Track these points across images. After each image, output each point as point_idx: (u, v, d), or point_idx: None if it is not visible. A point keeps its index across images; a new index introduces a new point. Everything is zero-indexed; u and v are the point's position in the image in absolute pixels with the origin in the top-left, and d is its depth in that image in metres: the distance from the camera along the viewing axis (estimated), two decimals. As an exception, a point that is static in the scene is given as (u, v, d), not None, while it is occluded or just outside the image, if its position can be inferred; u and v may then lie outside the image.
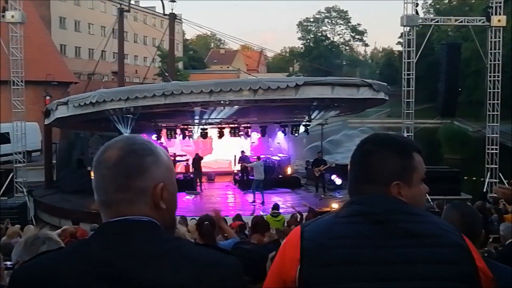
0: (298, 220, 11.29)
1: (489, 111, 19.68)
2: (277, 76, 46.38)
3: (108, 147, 1.35)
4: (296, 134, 21.21)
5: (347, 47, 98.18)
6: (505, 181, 18.74)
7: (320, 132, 22.38)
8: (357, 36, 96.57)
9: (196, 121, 19.61)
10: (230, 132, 20.56)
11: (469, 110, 44.86)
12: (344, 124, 51.78)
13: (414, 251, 1.40)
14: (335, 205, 13.66)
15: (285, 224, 11.43)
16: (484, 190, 18.83)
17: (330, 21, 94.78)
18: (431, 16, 53.82)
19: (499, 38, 19.36)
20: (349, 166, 1.64)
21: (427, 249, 1.40)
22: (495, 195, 11.97)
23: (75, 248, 1.33)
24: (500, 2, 19.26)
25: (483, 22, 19.89)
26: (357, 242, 1.42)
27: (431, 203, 11.60)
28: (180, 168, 20.53)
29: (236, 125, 20.20)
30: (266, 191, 17.53)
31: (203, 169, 20.41)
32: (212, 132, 20.74)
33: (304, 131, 20.89)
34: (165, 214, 1.35)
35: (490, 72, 19.50)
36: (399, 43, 64.44)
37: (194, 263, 1.24)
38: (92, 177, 1.37)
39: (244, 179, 19.61)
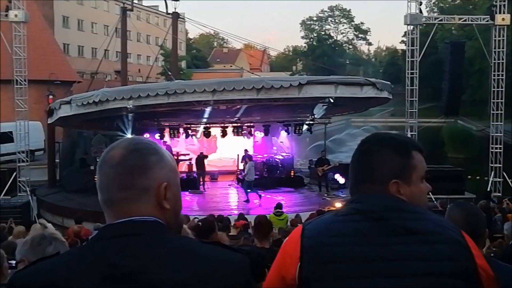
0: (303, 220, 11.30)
1: (493, 110, 19.62)
2: (280, 75, 46.43)
3: (113, 147, 1.36)
4: (300, 133, 21.20)
5: (350, 46, 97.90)
6: (509, 180, 18.72)
7: (323, 131, 22.38)
8: (360, 35, 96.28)
9: (205, 120, 19.55)
10: (233, 131, 20.55)
11: (473, 109, 44.72)
12: (348, 123, 51.77)
13: (412, 248, 1.41)
14: (338, 204, 13.63)
15: (289, 223, 11.45)
16: (488, 189, 18.77)
17: (333, 20, 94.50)
18: (435, 14, 53.55)
19: (503, 36, 19.30)
20: (349, 166, 1.65)
21: (426, 246, 1.41)
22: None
23: (78, 252, 1.31)
24: (504, 1, 19.17)
25: (487, 21, 19.80)
26: (356, 240, 1.44)
27: (435, 202, 11.61)
28: (183, 167, 20.52)
29: (239, 124, 20.20)
30: (269, 190, 17.47)
31: (208, 168, 20.41)
32: (216, 131, 20.77)
33: (308, 130, 20.88)
34: (170, 214, 1.35)
35: (494, 71, 19.43)
36: (402, 42, 64.09)
37: (201, 261, 1.24)
38: (96, 178, 1.37)
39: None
